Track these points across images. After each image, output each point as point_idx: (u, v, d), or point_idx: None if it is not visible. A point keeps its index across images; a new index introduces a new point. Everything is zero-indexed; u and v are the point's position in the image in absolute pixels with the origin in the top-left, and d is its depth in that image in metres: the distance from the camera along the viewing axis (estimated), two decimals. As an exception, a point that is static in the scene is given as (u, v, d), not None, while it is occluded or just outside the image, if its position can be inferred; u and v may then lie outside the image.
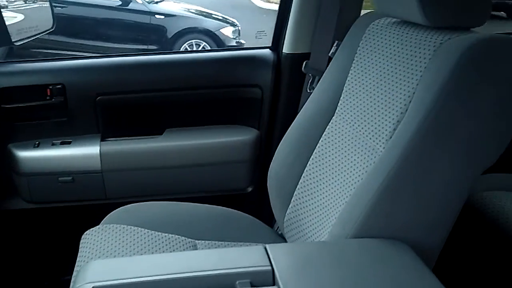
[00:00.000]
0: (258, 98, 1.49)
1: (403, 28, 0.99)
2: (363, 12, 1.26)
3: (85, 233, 1.15)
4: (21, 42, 1.47)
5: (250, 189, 1.57)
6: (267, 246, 0.82)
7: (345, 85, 1.11)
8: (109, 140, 1.46)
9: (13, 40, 1.43)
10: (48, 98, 1.42)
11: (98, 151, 1.43)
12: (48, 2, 1.57)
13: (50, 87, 1.41)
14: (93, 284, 0.71)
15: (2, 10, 1.40)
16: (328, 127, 1.13)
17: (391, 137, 0.91)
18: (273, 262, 0.78)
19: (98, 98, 1.44)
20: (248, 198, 1.58)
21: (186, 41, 5.37)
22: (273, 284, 0.75)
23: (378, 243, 0.86)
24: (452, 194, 0.88)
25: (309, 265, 0.82)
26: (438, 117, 0.83)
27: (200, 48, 5.35)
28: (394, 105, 0.94)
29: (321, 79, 1.23)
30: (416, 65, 0.91)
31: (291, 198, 1.17)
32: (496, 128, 0.86)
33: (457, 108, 0.83)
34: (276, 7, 1.53)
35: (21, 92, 1.42)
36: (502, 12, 9.66)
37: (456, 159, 0.86)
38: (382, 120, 0.96)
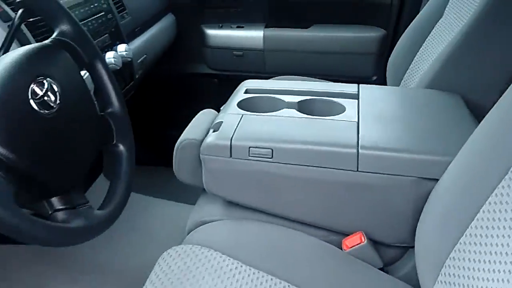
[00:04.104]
0: (388, 3, 1.86)
1: None
2: None
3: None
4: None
5: (374, 78, 1.98)
6: None
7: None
8: (271, 28, 1.96)
9: None
10: None
11: (262, 35, 1.94)
12: None
13: None
14: None
15: None
16: (436, 24, 1.48)
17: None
18: None
19: (267, -6, 1.93)
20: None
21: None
22: None
23: (440, 93, 1.23)
24: (509, 63, 1.18)
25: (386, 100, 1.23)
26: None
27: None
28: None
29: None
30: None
31: (402, 78, 1.55)
32: None
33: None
34: None
35: None
36: None
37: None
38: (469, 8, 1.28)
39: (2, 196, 0.59)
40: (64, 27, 0.85)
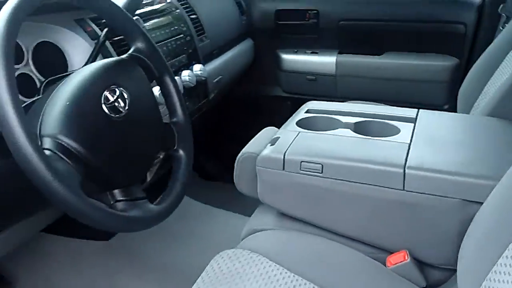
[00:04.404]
0: (462, 33, 1.87)
1: None
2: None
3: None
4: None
5: (446, 106, 1.97)
6: None
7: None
8: (344, 54, 2.02)
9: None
10: (306, 20, 2.03)
11: (334, 61, 2.01)
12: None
13: (309, 12, 2.02)
14: None
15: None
16: (508, 54, 1.48)
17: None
18: None
19: (340, 23, 2.00)
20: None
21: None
22: None
23: (500, 121, 1.24)
24: None
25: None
26: None
27: None
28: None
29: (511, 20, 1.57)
30: None
31: (472, 107, 1.55)
32: None
33: None
34: None
35: (289, 14, 2.06)
36: None
37: None
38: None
39: (70, 182, 0.70)
40: (140, 44, 0.97)
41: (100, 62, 0.89)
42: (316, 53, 2.06)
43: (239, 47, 2.01)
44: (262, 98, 2.23)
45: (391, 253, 1.07)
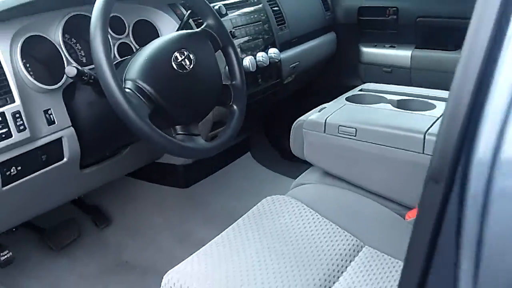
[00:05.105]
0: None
1: None
2: None
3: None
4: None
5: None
6: None
7: None
8: (419, 48, 2.15)
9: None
10: (386, 16, 2.19)
11: (410, 55, 2.14)
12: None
13: (389, 8, 2.17)
14: None
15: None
16: None
17: None
18: None
19: (418, 19, 2.12)
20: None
21: None
22: None
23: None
24: None
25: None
26: None
27: None
28: None
29: None
30: None
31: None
32: None
33: None
34: None
35: (371, 10, 2.22)
36: None
37: None
38: None
39: (141, 112, 0.97)
40: (210, 21, 1.23)
41: (176, 32, 1.17)
42: (394, 47, 2.21)
43: (321, 39, 2.22)
44: (342, 88, 2.41)
45: (411, 209, 1.23)
